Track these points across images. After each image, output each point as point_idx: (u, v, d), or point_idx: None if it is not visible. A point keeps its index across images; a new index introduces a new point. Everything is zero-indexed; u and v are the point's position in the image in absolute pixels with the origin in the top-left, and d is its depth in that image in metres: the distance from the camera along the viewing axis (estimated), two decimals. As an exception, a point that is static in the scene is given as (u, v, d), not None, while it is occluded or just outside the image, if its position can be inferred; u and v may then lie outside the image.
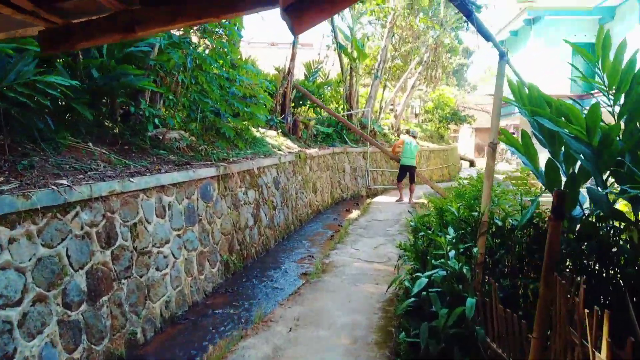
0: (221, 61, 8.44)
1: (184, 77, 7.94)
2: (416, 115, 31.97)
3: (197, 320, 5.82)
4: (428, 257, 3.75)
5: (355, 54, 18.38)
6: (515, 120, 30.43)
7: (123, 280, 5.03)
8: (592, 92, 18.96)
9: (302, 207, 11.93)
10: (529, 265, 4.20)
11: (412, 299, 3.76)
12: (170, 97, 7.91)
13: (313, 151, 13.85)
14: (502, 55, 4.11)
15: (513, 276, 4.00)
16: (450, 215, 4.29)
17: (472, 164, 39.58)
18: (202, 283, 6.56)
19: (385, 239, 7.81)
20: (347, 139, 17.83)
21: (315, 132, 16.03)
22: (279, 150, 12.13)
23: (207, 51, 8.77)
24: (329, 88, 20.06)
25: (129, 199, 5.29)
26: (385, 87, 22.22)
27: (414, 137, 13.00)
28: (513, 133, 39.95)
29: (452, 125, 30.34)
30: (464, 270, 3.57)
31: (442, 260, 3.69)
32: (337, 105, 20.13)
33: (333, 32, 18.73)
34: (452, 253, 3.73)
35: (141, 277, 5.33)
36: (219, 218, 7.31)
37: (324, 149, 15.33)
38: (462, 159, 36.13)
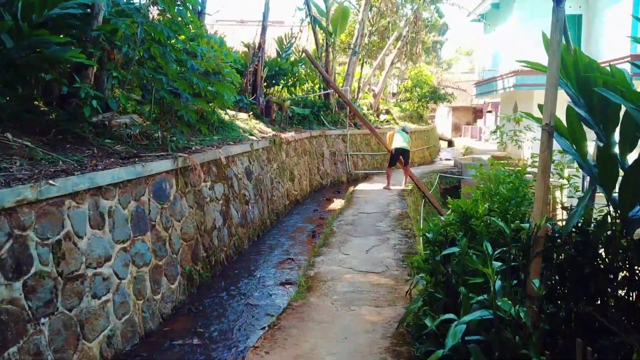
0: (176, 29, 7.05)
1: (131, 50, 6.54)
2: (393, 94, 30.86)
3: (151, 357, 4.58)
4: (463, 292, 2.62)
5: (331, 28, 17.02)
6: (496, 98, 29.59)
7: (43, 320, 3.74)
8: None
9: (279, 198, 10.69)
10: (574, 283, 3.11)
11: (443, 351, 2.62)
12: (115, 75, 6.50)
13: (289, 135, 12.57)
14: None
15: (554, 298, 2.91)
16: (480, 225, 3.15)
17: (450, 143, 38.83)
18: (159, 305, 5.30)
19: (377, 239, 6.68)
20: (325, 121, 16.57)
21: (290, 114, 14.71)
22: (251, 135, 10.82)
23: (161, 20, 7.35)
24: (304, 66, 18.68)
25: (49, 209, 3.96)
26: (363, 64, 20.94)
27: (406, 132, 11.85)
28: (489, 111, 39.25)
29: (430, 104, 29.31)
30: (521, 314, 2.44)
31: (485, 297, 2.55)
32: (312, 85, 18.80)
33: (307, 5, 17.29)
34: (498, 284, 2.60)
35: (71, 310, 4.04)
36: (179, 221, 6.01)
37: (301, 132, 14.05)
38: (440, 138, 35.25)
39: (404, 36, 21.39)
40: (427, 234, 3.52)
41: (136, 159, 5.56)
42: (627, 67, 14.98)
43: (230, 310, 5.61)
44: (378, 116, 21.55)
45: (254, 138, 10.44)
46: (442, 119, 48.15)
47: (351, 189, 11.80)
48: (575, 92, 3.58)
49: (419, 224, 9.21)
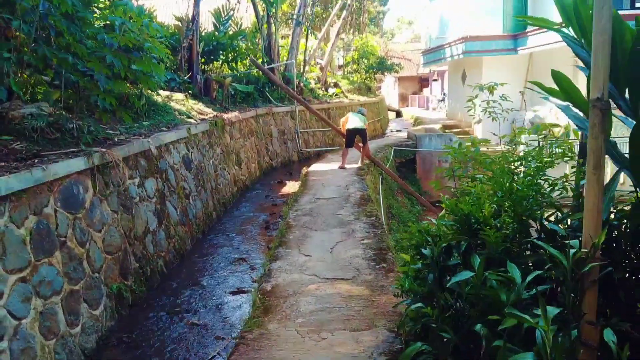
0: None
1: (31, 26, 5.25)
2: (340, 66, 29.92)
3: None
4: (499, 345, 1.80)
5: (271, -3, 15.76)
6: (442, 67, 29.25)
7: None
8: (525, 31, 17.79)
9: (225, 186, 9.63)
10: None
11: None
12: (7, 56, 5.20)
13: (232, 115, 11.43)
14: None
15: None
16: (492, 235, 2.31)
17: (398, 114, 38.49)
18: (78, 339, 4.23)
19: (341, 232, 5.83)
20: (270, 98, 15.45)
21: (232, 92, 13.50)
22: (189, 117, 9.64)
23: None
24: (244, 39, 17.36)
25: None
26: (308, 36, 19.80)
27: (363, 114, 10.88)
28: (435, 80, 39.09)
29: (378, 75, 28.60)
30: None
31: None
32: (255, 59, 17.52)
33: (243, -28, 15.92)
34: (538, 334, 1.78)
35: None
36: (99, 231, 4.91)
37: (246, 111, 12.92)
38: (388, 109, 34.75)
39: (349, 5, 20.37)
40: (422, 250, 2.66)
41: (36, 160, 4.39)
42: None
43: (171, 335, 4.63)
44: (327, 90, 20.59)
45: (192, 121, 9.28)
46: (389, 90, 47.75)
47: (305, 170, 10.88)
48: (584, 52, 2.78)
49: (380, 205, 8.45)
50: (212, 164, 9.15)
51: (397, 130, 23.97)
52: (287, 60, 17.03)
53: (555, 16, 2.76)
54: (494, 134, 6.86)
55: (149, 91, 8.69)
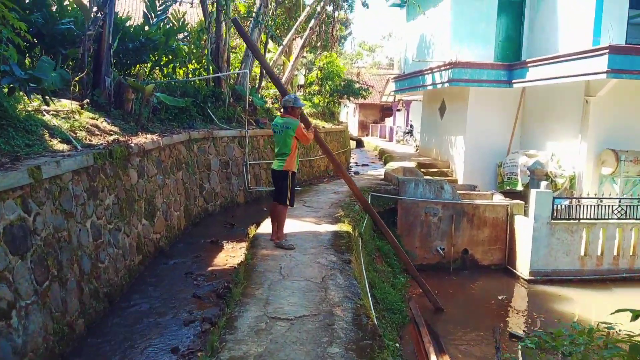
0: None
1: None
2: (300, 86, 26.45)
3: None
4: None
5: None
6: (413, 96, 26.43)
7: None
8: (524, 61, 15.03)
9: (117, 260, 5.75)
10: None
11: None
12: None
13: (148, 139, 7.61)
14: None
15: None
16: None
17: (359, 143, 35.42)
18: None
19: None
20: (213, 116, 11.68)
21: (157, 105, 9.67)
22: (66, 142, 5.78)
23: None
24: (186, 39, 13.60)
25: None
26: (267, 43, 16.25)
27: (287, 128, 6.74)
28: (399, 110, 36.41)
29: (343, 100, 25.40)
30: None
31: None
32: (198, 66, 13.76)
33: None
34: None
35: None
36: None
37: (174, 133, 9.11)
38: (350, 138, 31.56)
39: (318, 13, 17.03)
40: None
41: None
42: (601, 61, 12.01)
43: None
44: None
45: (66, 150, 5.43)
46: (348, 117, 44.88)
47: (252, 232, 7.17)
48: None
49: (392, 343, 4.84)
50: (92, 226, 5.27)
51: (364, 165, 20.67)
52: (240, 70, 13.33)
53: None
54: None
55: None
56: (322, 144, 7.91)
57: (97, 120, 7.47)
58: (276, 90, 17.24)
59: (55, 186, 4.65)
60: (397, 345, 6.57)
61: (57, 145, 5.64)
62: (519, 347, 7.67)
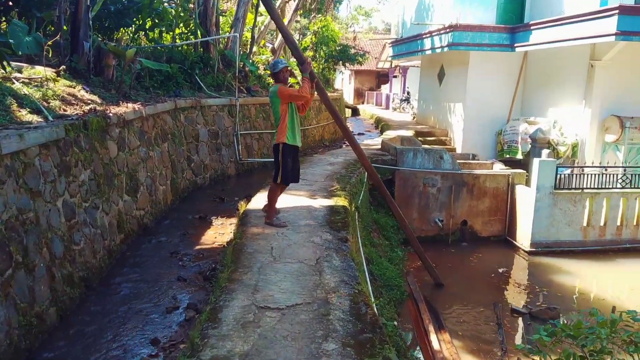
0: None
1: None
2: (294, 52, 25.56)
3: None
4: None
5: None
6: (411, 61, 25.65)
7: None
8: (527, 23, 14.35)
9: (92, 240, 5.32)
10: None
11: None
12: None
13: (129, 108, 7.08)
14: None
15: None
16: None
17: (355, 111, 34.74)
18: None
19: None
20: (201, 84, 11.08)
21: (141, 72, 9.08)
22: (37, 111, 5.27)
23: None
24: (173, 2, 12.86)
25: None
26: (258, 7, 15.47)
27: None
28: (395, 76, 35.55)
29: (338, 66, 24.62)
30: None
31: None
32: (186, 31, 13.07)
33: None
34: None
35: None
36: None
37: (158, 102, 8.56)
38: (345, 106, 30.85)
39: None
40: None
41: None
42: (609, 23, 11.40)
43: None
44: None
45: (35, 120, 4.92)
46: (344, 84, 43.96)
47: (242, 207, 6.74)
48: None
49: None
50: (64, 205, 4.81)
51: (360, 134, 20.11)
52: (230, 33, 12.65)
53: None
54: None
55: None
56: (323, 93, 6.42)
57: (74, 88, 6.91)
58: (268, 56, 16.55)
59: (19, 162, 4.18)
60: (395, 323, 6.25)
61: (27, 116, 5.13)
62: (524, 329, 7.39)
